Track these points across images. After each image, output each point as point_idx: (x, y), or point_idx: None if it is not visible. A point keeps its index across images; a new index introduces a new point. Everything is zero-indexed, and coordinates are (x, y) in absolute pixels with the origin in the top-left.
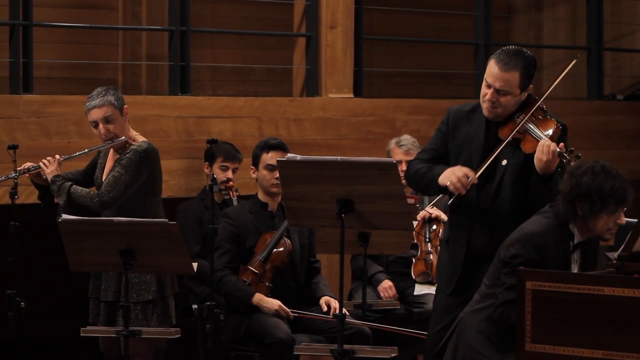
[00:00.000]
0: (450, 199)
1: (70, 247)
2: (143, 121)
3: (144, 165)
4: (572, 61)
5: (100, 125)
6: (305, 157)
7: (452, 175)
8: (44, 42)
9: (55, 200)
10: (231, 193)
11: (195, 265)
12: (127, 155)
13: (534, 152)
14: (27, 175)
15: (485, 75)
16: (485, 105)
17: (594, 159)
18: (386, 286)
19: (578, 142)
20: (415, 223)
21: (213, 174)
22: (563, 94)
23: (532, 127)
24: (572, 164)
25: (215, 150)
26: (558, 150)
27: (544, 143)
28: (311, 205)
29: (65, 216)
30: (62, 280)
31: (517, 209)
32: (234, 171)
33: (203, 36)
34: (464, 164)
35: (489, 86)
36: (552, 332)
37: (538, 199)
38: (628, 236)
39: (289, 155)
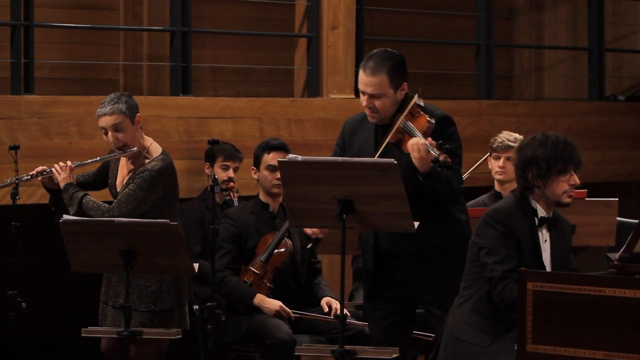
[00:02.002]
0: (310, 244)
1: (71, 247)
2: (144, 122)
3: (158, 184)
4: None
5: (109, 133)
6: (307, 157)
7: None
8: (45, 42)
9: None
10: (232, 194)
11: (196, 266)
12: (142, 174)
13: None
14: (39, 178)
15: (358, 84)
16: (367, 113)
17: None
18: None
19: (579, 142)
20: (416, 224)
21: (214, 175)
22: (564, 94)
23: (409, 125)
24: (442, 158)
25: (215, 151)
26: (427, 145)
27: (412, 142)
28: (312, 206)
29: (66, 217)
30: (63, 281)
31: (413, 207)
32: (234, 170)
33: (204, 37)
34: None
35: (363, 93)
36: (553, 333)
37: (432, 196)
38: (629, 237)
39: (290, 155)
